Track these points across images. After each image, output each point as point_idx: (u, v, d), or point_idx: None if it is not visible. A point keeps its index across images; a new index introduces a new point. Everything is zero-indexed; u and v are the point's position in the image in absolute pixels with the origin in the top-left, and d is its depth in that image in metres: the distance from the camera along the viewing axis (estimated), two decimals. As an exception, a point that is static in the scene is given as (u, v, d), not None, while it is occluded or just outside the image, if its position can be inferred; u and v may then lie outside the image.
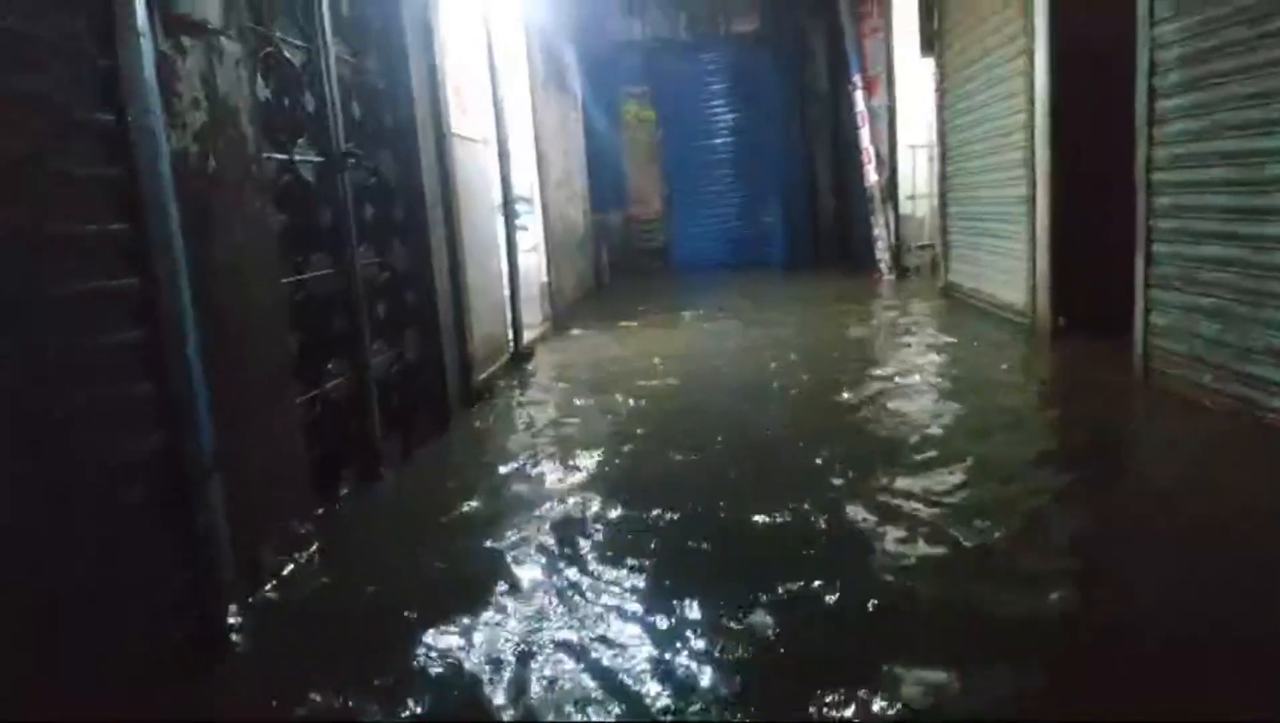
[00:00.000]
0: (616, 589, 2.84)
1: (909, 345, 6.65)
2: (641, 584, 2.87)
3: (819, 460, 3.96)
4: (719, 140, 15.03)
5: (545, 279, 8.18)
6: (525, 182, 8.10)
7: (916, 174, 10.74)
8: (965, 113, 7.96)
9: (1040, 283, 6.28)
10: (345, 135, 3.97)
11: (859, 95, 11.38)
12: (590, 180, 13.03)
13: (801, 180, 14.74)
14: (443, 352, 4.93)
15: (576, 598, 2.79)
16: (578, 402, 5.58)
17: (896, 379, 5.53)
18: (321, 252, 3.77)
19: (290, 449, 3.21)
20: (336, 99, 3.88)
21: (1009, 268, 6.94)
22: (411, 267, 4.77)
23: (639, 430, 4.74)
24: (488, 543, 3.30)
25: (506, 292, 6.52)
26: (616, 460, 4.19)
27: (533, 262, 8.12)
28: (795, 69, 14.47)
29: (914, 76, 10.14)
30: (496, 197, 6.40)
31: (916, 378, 5.56)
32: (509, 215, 6.54)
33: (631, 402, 5.41)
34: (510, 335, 6.57)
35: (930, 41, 8.79)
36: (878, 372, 5.81)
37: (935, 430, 4.34)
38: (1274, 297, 3.71)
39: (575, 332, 8.34)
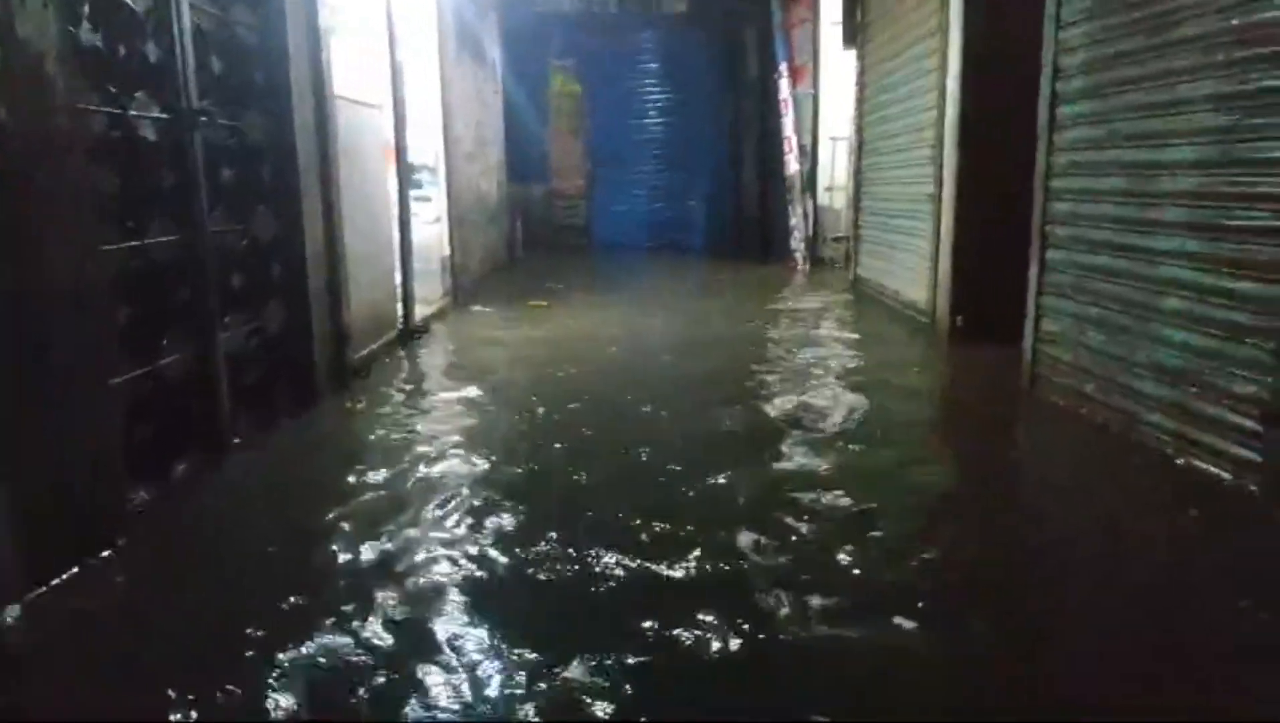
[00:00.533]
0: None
1: (807, 341, 6.54)
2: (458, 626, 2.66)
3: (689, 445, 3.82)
4: (646, 120, 14.81)
5: (447, 252, 7.87)
6: (430, 150, 7.76)
7: (836, 166, 10.70)
8: (882, 107, 7.89)
9: (941, 283, 6.24)
10: (200, 91, 3.63)
11: (784, 83, 11.26)
12: (511, 152, 12.70)
13: (727, 166, 14.63)
14: (311, 325, 4.62)
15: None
16: (462, 386, 5.32)
17: (780, 376, 5.40)
18: (164, 217, 3.44)
19: (104, 432, 2.90)
20: (189, 51, 3.54)
21: (914, 266, 6.90)
22: (279, 234, 4.44)
23: (518, 420, 4.52)
24: (306, 525, 3.09)
25: (398, 263, 6.21)
26: (490, 456, 3.96)
27: (434, 233, 7.80)
28: (726, 54, 14.33)
29: (839, 68, 10.04)
30: (391, 164, 6.07)
31: (806, 376, 5.44)
32: (403, 183, 6.22)
33: (520, 388, 5.19)
34: (400, 310, 6.27)
35: (853, 34, 8.69)
36: (764, 368, 5.68)
37: (808, 427, 4.24)
38: (1159, 312, 3.66)
39: (478, 308, 8.05)
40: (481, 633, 2.41)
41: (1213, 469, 3.32)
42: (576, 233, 14.92)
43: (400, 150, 6.15)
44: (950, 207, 6.05)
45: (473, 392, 5.11)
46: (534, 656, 2.28)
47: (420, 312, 7.15)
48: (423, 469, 3.73)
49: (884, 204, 7.87)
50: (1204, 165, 3.41)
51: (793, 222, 11.21)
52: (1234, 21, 3.25)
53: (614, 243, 14.59)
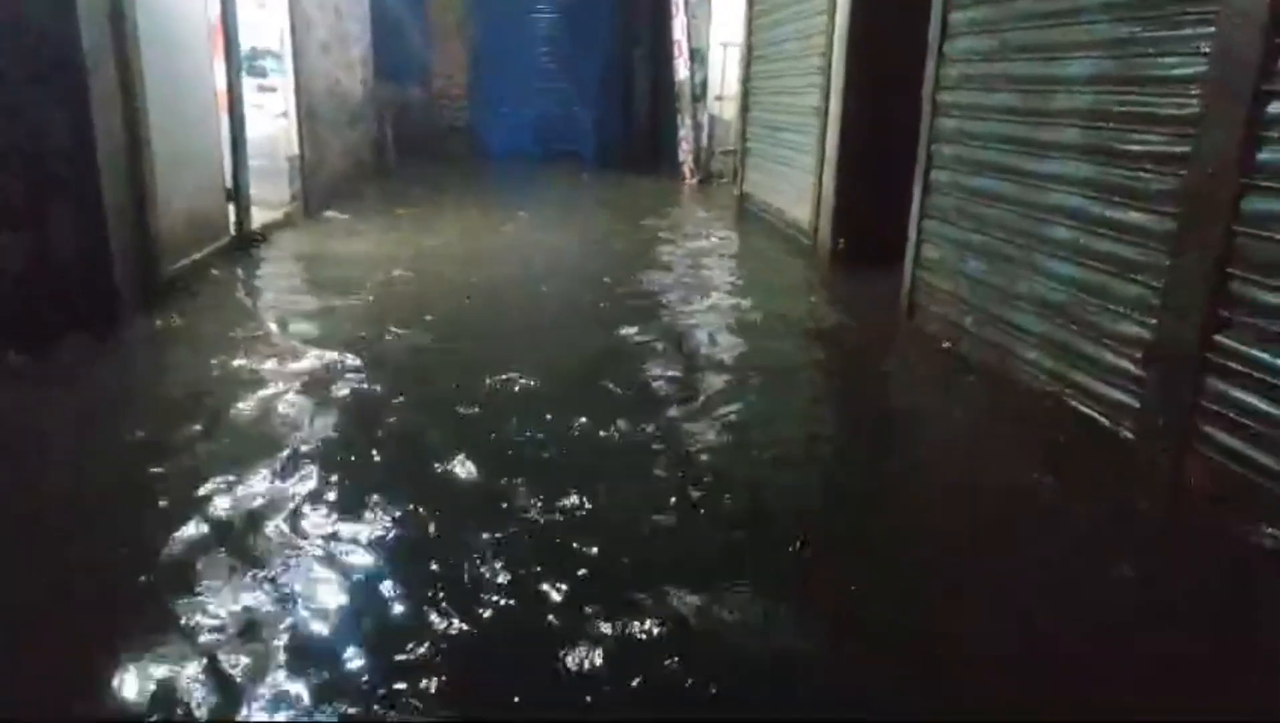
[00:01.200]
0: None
1: (679, 264, 6.15)
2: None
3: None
4: (533, 18, 13.89)
5: (296, 151, 7.10)
6: (275, 34, 6.92)
7: (728, 73, 10.20)
8: (774, 9, 7.41)
9: (825, 202, 5.93)
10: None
11: (675, -19, 10.61)
12: (384, 50, 11.68)
13: (618, 73, 13.93)
14: (108, 236, 3.97)
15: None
16: (297, 300, 4.77)
17: (646, 305, 5.03)
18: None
19: None
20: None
21: (799, 183, 6.56)
22: (60, 129, 3.74)
23: (359, 341, 4.02)
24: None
25: (228, 161, 5.49)
26: (321, 385, 3.47)
27: (280, 128, 7.01)
28: (618, -53, 13.49)
29: (731, -34, 9.49)
30: (219, 48, 5.30)
31: (675, 300, 5.08)
32: (233, 70, 5.46)
33: (363, 304, 4.67)
34: (233, 215, 5.58)
35: (745, -75, 8.13)
36: (634, 290, 5.29)
37: (665, 362, 3.91)
38: (1044, 241, 3.40)
39: (330, 215, 7.36)
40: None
41: (1090, 412, 3.12)
42: (459, 137, 14.05)
43: (230, 32, 5.37)
44: (836, 122, 5.69)
45: (312, 306, 4.58)
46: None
47: (263, 217, 6.47)
48: (242, 403, 3.23)
49: (771, 116, 7.47)
50: (1099, 81, 3.11)
51: (681, 133, 10.72)
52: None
53: (500, 150, 13.80)
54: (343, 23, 8.94)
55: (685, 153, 10.70)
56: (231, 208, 5.57)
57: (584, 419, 3.16)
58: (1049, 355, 3.35)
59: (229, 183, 5.51)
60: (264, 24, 6.84)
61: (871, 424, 3.52)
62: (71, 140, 3.79)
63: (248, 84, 6.81)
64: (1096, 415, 3.08)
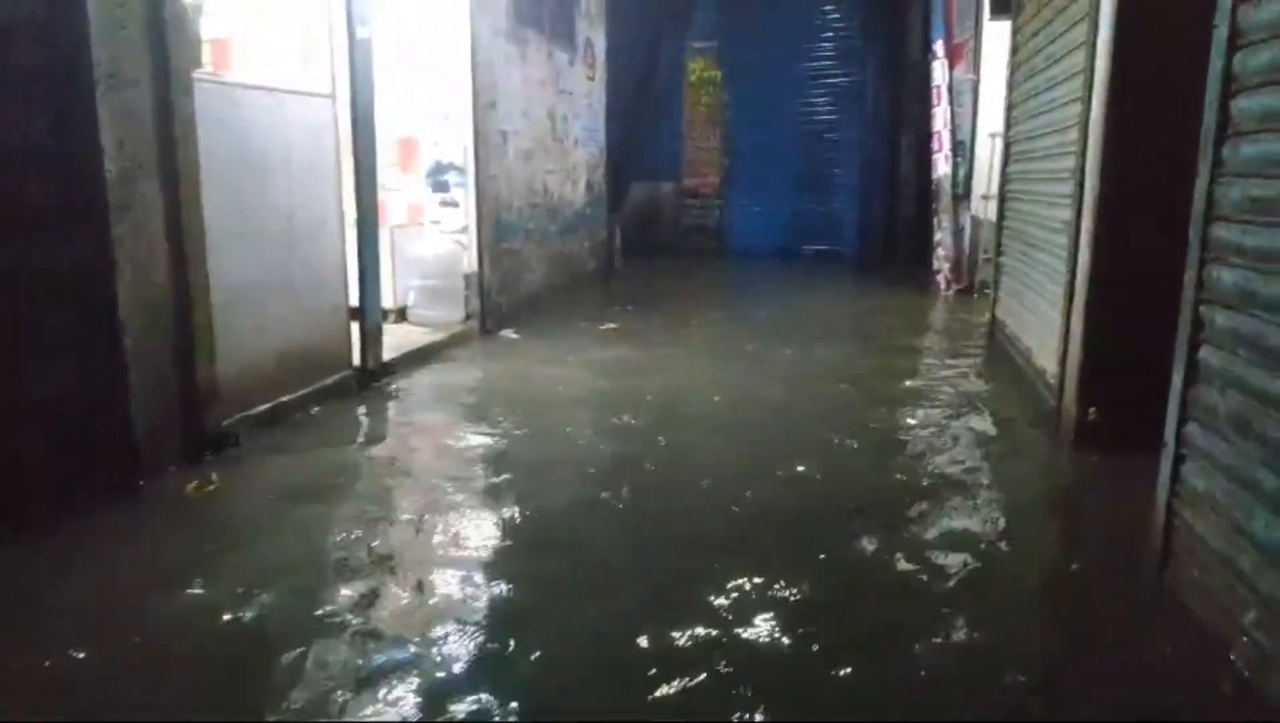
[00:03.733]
0: None
1: (888, 426, 4.78)
2: None
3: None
4: (792, 110, 12.96)
5: (476, 268, 6.63)
6: (458, 146, 6.54)
7: (995, 169, 8.58)
8: (1030, 96, 5.88)
9: (1072, 354, 4.30)
10: None
11: (938, 65, 9.24)
12: (634, 146, 11.39)
13: (883, 166, 12.57)
14: (128, 384, 3.48)
15: None
16: (394, 465, 4.04)
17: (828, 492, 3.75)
18: None
19: None
20: None
21: (1048, 320, 4.93)
22: (73, 266, 3.31)
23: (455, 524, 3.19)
24: None
25: (353, 287, 5.00)
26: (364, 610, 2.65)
27: (452, 246, 6.58)
28: (888, 34, 12.24)
29: (1002, 47, 7.98)
30: (344, 162, 4.86)
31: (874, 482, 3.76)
32: (363, 189, 4.98)
33: (484, 485, 3.84)
34: (358, 346, 5.07)
35: (1005, -1, 6.69)
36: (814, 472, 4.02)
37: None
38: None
39: (509, 335, 6.76)
40: None
41: None
42: (707, 236, 13.39)
43: (362, 149, 4.91)
44: (1089, 247, 4.11)
45: (410, 471, 3.85)
46: None
47: (425, 339, 5.99)
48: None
49: (1024, 227, 5.88)
50: None
51: (937, 236, 9.20)
52: None
53: (751, 248, 12.92)
54: (563, 126, 8.56)
55: (942, 260, 9.14)
56: (357, 336, 5.06)
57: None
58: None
59: (345, 311, 5.00)
60: (443, 135, 6.50)
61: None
62: (82, 283, 3.35)
63: (430, 199, 6.50)
64: None
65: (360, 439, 4.39)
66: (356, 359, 5.05)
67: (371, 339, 5.09)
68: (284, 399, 4.40)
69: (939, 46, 9.20)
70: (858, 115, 12.67)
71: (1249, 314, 2.37)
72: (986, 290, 8.59)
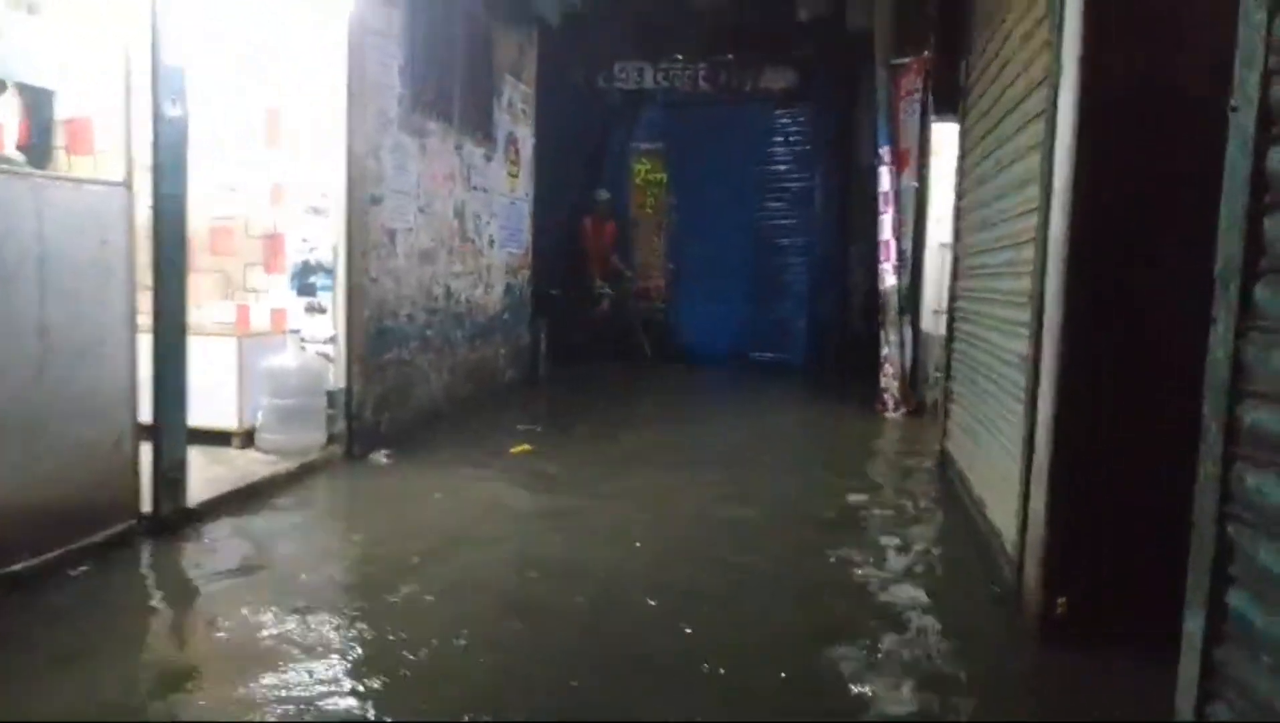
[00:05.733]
0: None
1: (813, 598, 3.84)
2: None
3: None
4: (739, 214, 12.33)
5: (342, 384, 5.68)
6: (327, 246, 5.67)
7: (944, 281, 7.90)
8: (980, 204, 5.16)
9: (1034, 524, 3.41)
10: None
11: (885, 171, 8.60)
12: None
13: (833, 274, 11.93)
14: None
15: None
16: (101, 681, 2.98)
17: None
18: None
19: None
20: None
21: (1003, 470, 4.07)
22: None
23: None
24: None
25: (139, 416, 3.99)
26: None
27: (314, 359, 5.63)
28: (836, 139, 11.78)
29: (952, 151, 7.38)
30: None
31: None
32: (163, 290, 4.01)
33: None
34: (150, 488, 4.04)
35: (951, 98, 6.06)
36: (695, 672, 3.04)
37: None
38: None
39: (381, 460, 5.74)
40: None
41: None
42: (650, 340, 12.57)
43: (165, 244, 3.98)
44: (1052, 394, 3.26)
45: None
46: None
47: (266, 470, 4.99)
48: None
49: (975, 353, 5.07)
50: None
51: (884, 351, 8.41)
52: None
53: (697, 354, 12.10)
54: (475, 225, 7.77)
55: (890, 377, 8.34)
56: (148, 479, 4.04)
57: None
58: None
59: (129, 443, 3.98)
60: (310, 233, 5.64)
61: None
62: None
63: (297, 303, 5.59)
64: None
65: (91, 635, 3.27)
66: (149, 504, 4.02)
67: (167, 479, 4.07)
68: (14, 568, 3.35)
69: (885, 151, 8.61)
70: (807, 221, 12.12)
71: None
72: (935, 412, 7.81)
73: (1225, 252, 1.74)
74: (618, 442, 6.91)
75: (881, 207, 8.60)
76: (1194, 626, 1.75)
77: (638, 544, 4.34)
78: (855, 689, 2.95)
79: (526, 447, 6.41)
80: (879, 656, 3.20)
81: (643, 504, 5.08)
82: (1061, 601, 3.19)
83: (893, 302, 8.37)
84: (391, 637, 3.19)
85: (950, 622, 3.55)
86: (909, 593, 3.85)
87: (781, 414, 8.64)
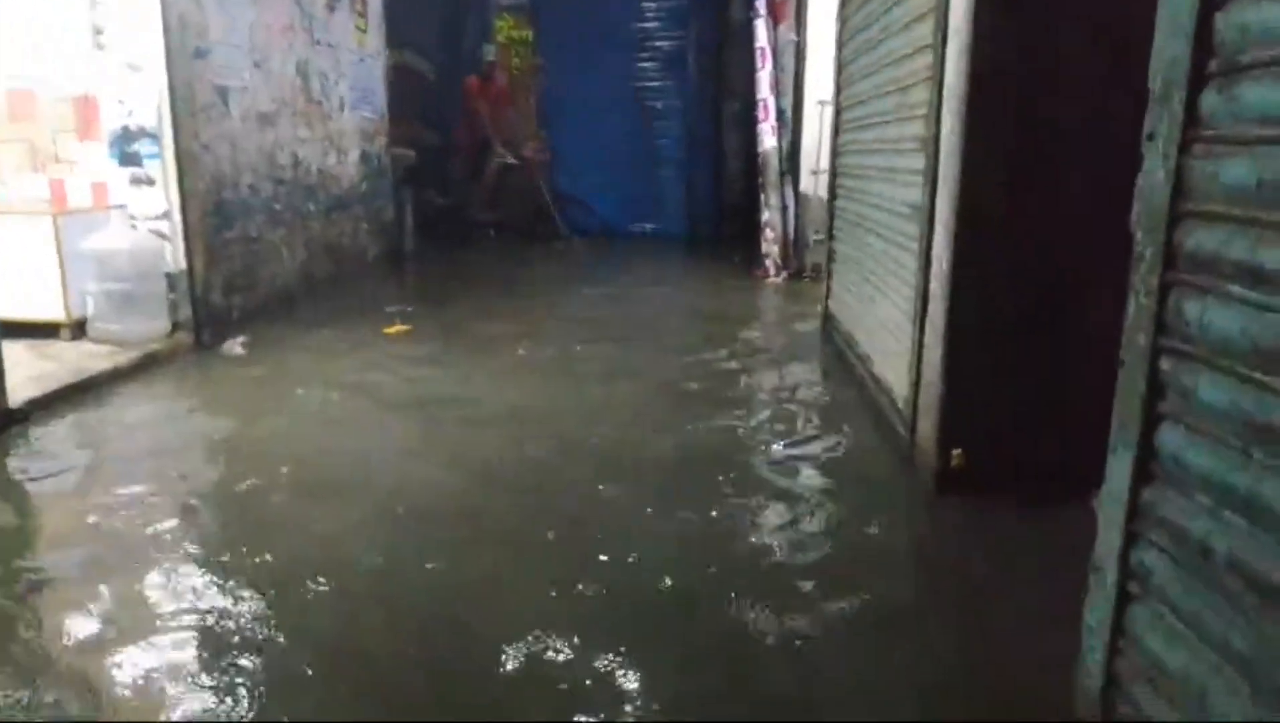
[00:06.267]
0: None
1: (689, 459, 3.71)
2: None
3: None
4: (611, 75, 11.75)
5: (183, 265, 5.11)
6: (152, 107, 4.99)
7: (825, 140, 7.72)
8: (865, 49, 4.92)
9: (927, 377, 3.35)
10: None
11: (761, 25, 8.25)
12: (428, 112, 9.96)
13: (707, 138, 11.59)
14: None
15: None
16: None
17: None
18: None
19: None
20: None
21: (892, 325, 3.99)
22: None
23: None
24: None
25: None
26: None
27: (144, 239, 5.04)
28: (712, -7, 11.25)
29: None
30: None
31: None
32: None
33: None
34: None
35: (832, -62, 5.72)
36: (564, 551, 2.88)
37: None
38: None
39: (234, 350, 5.26)
40: None
41: None
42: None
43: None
44: (948, 241, 3.13)
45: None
46: None
47: (102, 363, 4.47)
48: None
49: (859, 208, 4.94)
50: None
51: (764, 216, 8.26)
52: None
53: (573, 227, 11.67)
54: (322, 85, 7.05)
55: (770, 242, 8.22)
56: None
57: None
58: None
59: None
60: (123, 91, 4.93)
61: None
62: None
63: (120, 175, 4.93)
64: None
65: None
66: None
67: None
68: None
69: (761, 3, 8.22)
70: (682, 83, 11.67)
71: (1251, 377, 1.36)
72: (816, 276, 7.77)
73: (1167, 56, 1.55)
74: (497, 319, 6.57)
75: (758, 63, 8.27)
76: (1120, 467, 1.65)
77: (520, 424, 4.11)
78: (753, 541, 2.85)
79: (403, 327, 6.02)
80: (767, 513, 3.11)
81: (525, 386, 4.84)
82: (958, 452, 3.15)
83: (773, 163, 8.17)
84: (238, 533, 2.88)
85: (846, 477, 3.49)
86: (801, 451, 3.77)
87: (661, 285, 8.43)
